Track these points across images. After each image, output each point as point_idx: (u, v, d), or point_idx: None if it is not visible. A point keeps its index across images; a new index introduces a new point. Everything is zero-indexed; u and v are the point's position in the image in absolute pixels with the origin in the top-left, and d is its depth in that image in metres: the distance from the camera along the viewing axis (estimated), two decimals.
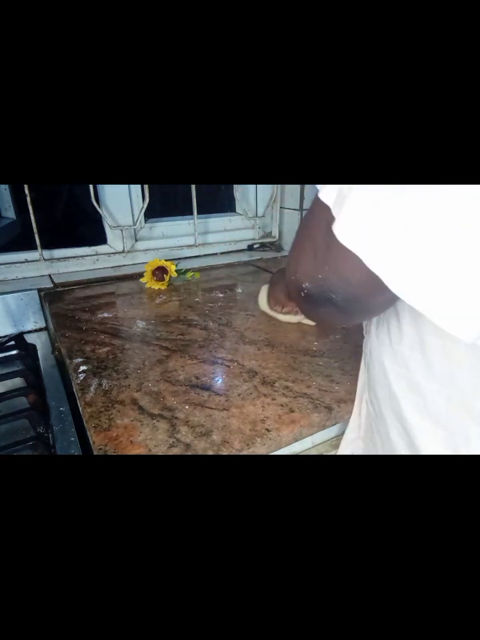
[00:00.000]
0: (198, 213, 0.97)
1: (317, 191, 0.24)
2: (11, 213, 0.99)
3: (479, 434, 0.26)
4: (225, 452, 0.36)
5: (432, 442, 0.29)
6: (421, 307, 0.21)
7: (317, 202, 0.24)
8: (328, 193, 0.23)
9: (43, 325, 0.75)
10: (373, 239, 0.20)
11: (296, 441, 0.42)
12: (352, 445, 0.42)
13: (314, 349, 0.56)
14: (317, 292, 0.27)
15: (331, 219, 0.22)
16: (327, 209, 0.23)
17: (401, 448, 0.33)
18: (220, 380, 0.48)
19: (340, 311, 0.27)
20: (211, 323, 0.64)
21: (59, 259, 0.85)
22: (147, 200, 0.89)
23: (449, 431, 0.28)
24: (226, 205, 1.13)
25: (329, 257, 0.25)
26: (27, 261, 0.82)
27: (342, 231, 0.21)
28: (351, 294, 0.25)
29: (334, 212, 0.22)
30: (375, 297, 0.26)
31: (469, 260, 0.18)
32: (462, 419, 0.27)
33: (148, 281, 0.80)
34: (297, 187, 1.01)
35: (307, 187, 1.00)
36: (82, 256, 0.88)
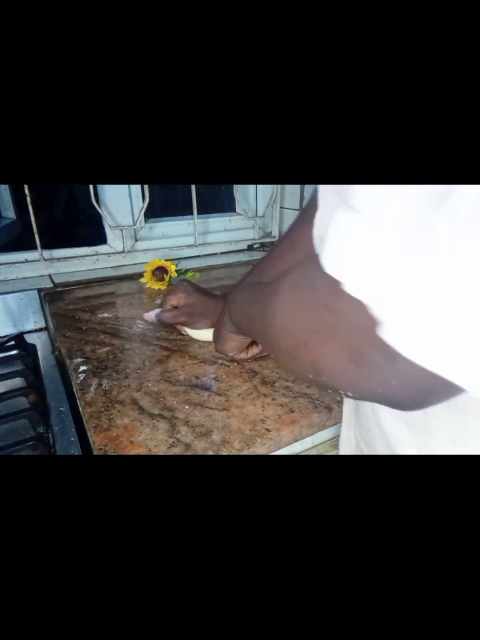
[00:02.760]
0: (198, 213, 0.97)
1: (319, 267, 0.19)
2: (11, 213, 0.99)
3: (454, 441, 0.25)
4: (224, 452, 0.36)
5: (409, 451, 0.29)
6: None
7: (339, 292, 0.18)
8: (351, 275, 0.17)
9: (43, 325, 0.75)
10: (437, 340, 0.16)
11: (296, 441, 0.42)
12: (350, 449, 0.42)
13: None
14: (362, 398, 0.23)
15: (374, 323, 0.17)
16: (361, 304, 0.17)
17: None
18: (220, 380, 0.48)
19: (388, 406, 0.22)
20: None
21: (59, 259, 0.85)
22: (147, 200, 0.89)
23: (423, 440, 0.27)
24: (226, 205, 1.13)
25: (394, 371, 0.18)
26: (27, 261, 0.82)
27: (395, 338, 0.17)
28: (411, 400, 0.20)
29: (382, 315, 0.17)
30: (441, 395, 0.20)
31: None
32: (436, 427, 0.26)
33: (148, 281, 0.80)
34: (297, 186, 1.01)
35: (307, 187, 1.00)
36: (82, 256, 0.88)
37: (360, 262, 0.17)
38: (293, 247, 0.50)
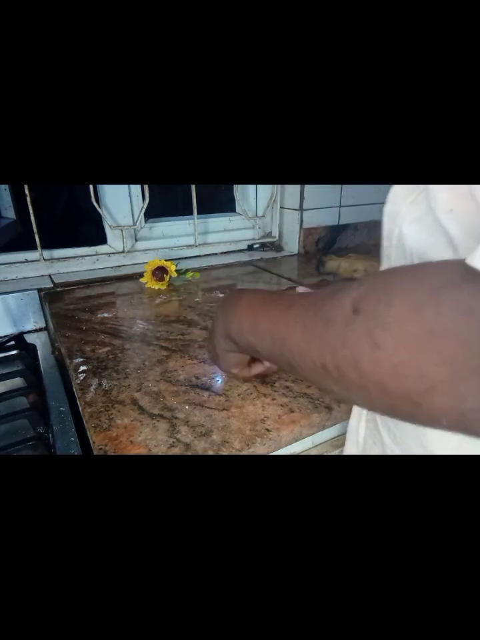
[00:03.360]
0: (198, 213, 0.97)
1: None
2: (10, 213, 0.99)
3: None
4: (224, 452, 0.36)
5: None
6: None
7: None
8: None
9: (43, 325, 0.75)
10: None
11: (296, 441, 0.42)
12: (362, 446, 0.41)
13: None
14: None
15: None
16: None
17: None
18: (220, 380, 0.48)
19: None
20: (211, 323, 0.64)
21: (59, 259, 0.85)
22: (147, 200, 0.89)
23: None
24: (226, 205, 1.13)
25: None
26: (27, 261, 0.82)
27: None
28: None
29: None
30: None
31: None
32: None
33: (148, 281, 0.80)
34: (297, 186, 1.01)
35: (307, 187, 1.00)
36: (82, 256, 0.88)
37: None
38: None
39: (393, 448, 0.32)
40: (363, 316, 0.20)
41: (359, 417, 0.37)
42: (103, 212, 0.87)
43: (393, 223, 0.29)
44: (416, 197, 0.26)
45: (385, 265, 0.31)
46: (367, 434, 0.36)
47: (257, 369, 0.45)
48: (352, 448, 0.39)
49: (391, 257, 0.30)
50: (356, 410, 0.39)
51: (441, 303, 0.17)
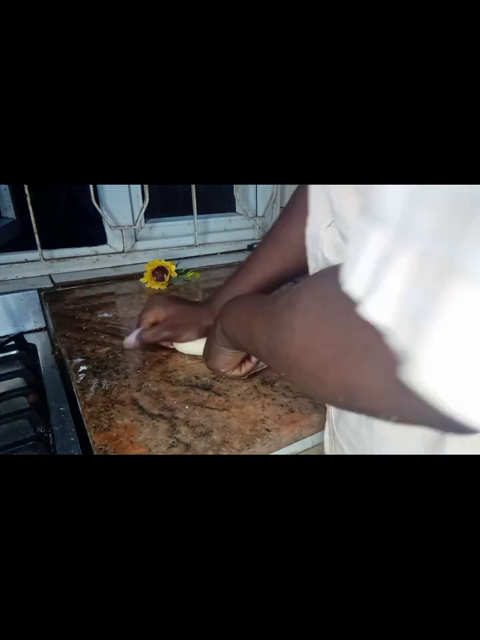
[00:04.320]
0: (198, 213, 0.97)
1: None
2: (10, 213, 0.99)
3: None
4: (225, 452, 0.36)
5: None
6: None
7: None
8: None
9: (43, 325, 0.75)
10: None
11: (296, 441, 0.42)
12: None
13: None
14: (407, 422, 0.20)
15: None
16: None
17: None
18: (220, 380, 0.48)
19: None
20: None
21: (59, 259, 0.85)
22: (147, 200, 0.89)
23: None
24: (226, 205, 1.13)
25: None
26: (27, 261, 0.82)
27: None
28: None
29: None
30: None
31: None
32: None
33: (148, 281, 0.80)
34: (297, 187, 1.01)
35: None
36: (82, 256, 0.88)
37: (381, 282, 0.15)
38: (279, 246, 0.49)
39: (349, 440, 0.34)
40: (289, 307, 0.24)
41: (327, 430, 0.39)
42: (102, 212, 0.87)
43: (315, 246, 0.31)
44: (330, 222, 0.28)
45: None
46: (330, 447, 0.38)
47: (246, 367, 0.47)
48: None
49: None
50: (326, 423, 0.40)
51: (328, 294, 0.20)
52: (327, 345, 0.20)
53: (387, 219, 0.15)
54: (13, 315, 0.72)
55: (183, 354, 0.54)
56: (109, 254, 0.91)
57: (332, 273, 0.20)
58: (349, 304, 0.17)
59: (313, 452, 0.48)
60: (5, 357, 0.60)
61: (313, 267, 0.33)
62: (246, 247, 1.09)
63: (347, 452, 0.34)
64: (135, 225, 0.91)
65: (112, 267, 0.90)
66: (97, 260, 0.90)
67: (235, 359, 0.45)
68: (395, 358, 0.16)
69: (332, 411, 0.37)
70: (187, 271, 0.89)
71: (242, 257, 1.03)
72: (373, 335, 0.17)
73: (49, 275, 0.83)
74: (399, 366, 0.15)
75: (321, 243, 0.30)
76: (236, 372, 0.47)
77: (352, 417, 0.32)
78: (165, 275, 0.80)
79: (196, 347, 0.51)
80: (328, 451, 0.38)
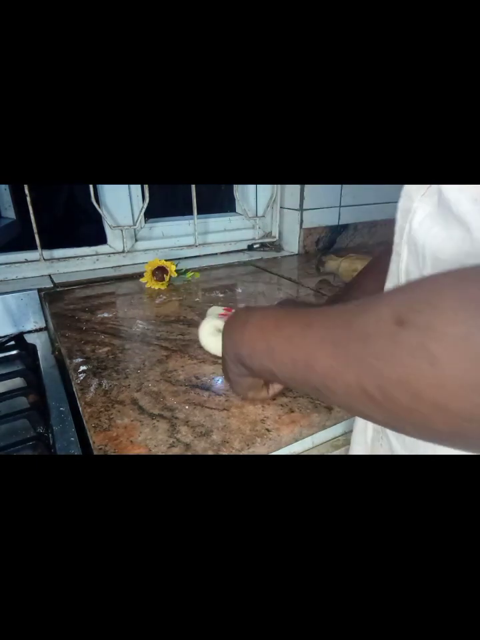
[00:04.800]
0: (198, 213, 0.97)
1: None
2: (10, 213, 0.99)
3: None
4: (224, 452, 0.36)
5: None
6: None
7: None
8: None
9: (43, 325, 0.75)
10: None
11: (296, 441, 0.42)
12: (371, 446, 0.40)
13: None
14: None
15: None
16: None
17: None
18: (220, 380, 0.48)
19: None
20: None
21: (59, 259, 0.85)
22: (147, 200, 0.89)
23: None
24: (226, 205, 1.13)
25: None
26: (27, 261, 0.82)
27: None
28: None
29: None
30: None
31: None
32: None
33: (148, 281, 0.80)
34: (297, 186, 1.01)
35: (307, 187, 1.00)
36: (82, 256, 0.88)
37: None
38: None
39: (400, 451, 0.31)
40: (412, 327, 0.17)
41: (371, 426, 0.37)
42: (102, 212, 0.87)
43: (404, 220, 0.28)
44: (426, 189, 0.25)
45: (394, 262, 0.31)
46: (374, 436, 0.36)
47: (275, 388, 0.41)
48: (359, 448, 0.39)
49: (400, 254, 0.29)
50: (358, 437, 0.38)
51: None
52: None
53: None
54: (13, 315, 0.72)
55: (183, 354, 0.54)
56: (108, 254, 0.91)
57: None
58: None
59: (313, 452, 0.48)
60: (5, 356, 0.60)
61: (397, 242, 0.29)
62: (246, 247, 1.09)
63: (394, 442, 0.31)
64: (135, 224, 0.91)
65: (112, 267, 0.90)
66: (97, 260, 0.90)
67: (260, 381, 0.39)
68: None
69: None
70: (186, 271, 0.89)
71: (242, 257, 1.03)
72: None
73: (49, 275, 0.83)
74: None
75: (411, 215, 0.26)
76: (263, 394, 0.41)
77: None
78: (164, 275, 0.80)
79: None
80: (367, 439, 0.36)
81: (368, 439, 0.37)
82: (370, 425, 0.37)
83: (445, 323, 0.16)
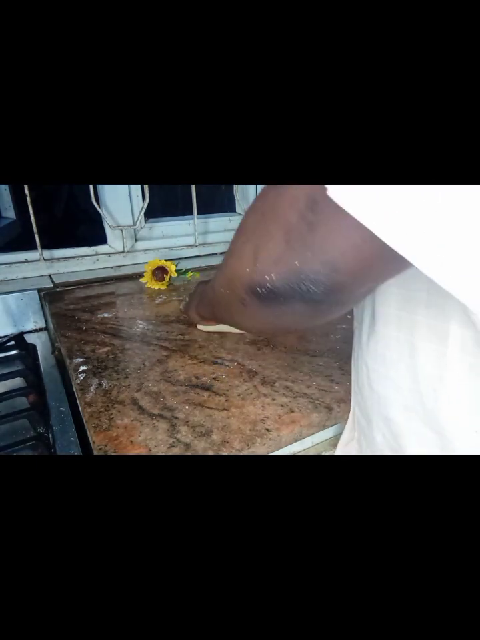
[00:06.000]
0: (198, 213, 0.97)
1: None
2: (11, 213, 0.99)
3: (465, 436, 0.26)
4: (225, 452, 0.36)
5: (417, 443, 0.29)
6: (451, 285, 0.17)
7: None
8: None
9: (43, 325, 0.75)
10: (385, 204, 0.16)
11: (296, 441, 0.42)
12: (347, 446, 0.42)
13: (314, 348, 0.56)
14: (285, 286, 0.22)
15: (315, 190, 0.18)
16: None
17: (385, 450, 0.33)
18: (220, 380, 0.48)
19: (311, 308, 0.23)
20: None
21: (59, 259, 0.85)
22: (147, 200, 0.89)
23: (436, 433, 0.28)
24: (226, 205, 1.13)
25: (314, 239, 0.20)
26: (27, 261, 0.82)
27: (342, 195, 0.17)
28: (336, 283, 0.21)
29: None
30: (361, 285, 0.22)
31: None
32: (448, 420, 0.27)
33: (148, 281, 0.80)
34: None
35: None
36: (82, 256, 0.88)
37: None
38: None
39: (360, 419, 0.37)
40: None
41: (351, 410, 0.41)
42: (102, 212, 0.87)
43: None
44: None
45: None
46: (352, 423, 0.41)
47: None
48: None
49: None
50: (349, 424, 0.42)
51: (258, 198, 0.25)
52: (250, 215, 0.25)
53: None
54: (13, 314, 0.72)
55: (183, 354, 0.54)
56: (109, 254, 0.91)
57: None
58: (271, 200, 0.22)
59: (313, 452, 0.48)
60: (5, 356, 0.60)
61: None
62: None
63: (357, 413, 0.38)
64: (134, 225, 0.91)
65: (112, 267, 0.90)
66: (97, 260, 0.90)
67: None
68: (303, 203, 0.19)
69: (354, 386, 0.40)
70: (187, 271, 0.89)
71: None
72: (277, 195, 0.21)
73: (49, 275, 0.83)
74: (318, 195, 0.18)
75: None
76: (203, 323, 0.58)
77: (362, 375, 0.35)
78: (165, 275, 0.80)
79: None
80: (349, 424, 0.42)
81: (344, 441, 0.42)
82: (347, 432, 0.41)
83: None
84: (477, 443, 0.26)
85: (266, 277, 0.22)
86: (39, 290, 0.76)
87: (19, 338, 0.65)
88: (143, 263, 0.86)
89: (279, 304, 0.23)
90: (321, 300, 0.22)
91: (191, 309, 0.57)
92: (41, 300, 0.75)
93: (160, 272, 0.80)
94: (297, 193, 0.20)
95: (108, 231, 0.91)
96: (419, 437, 0.29)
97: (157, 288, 0.80)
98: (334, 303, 0.23)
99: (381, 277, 0.21)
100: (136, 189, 0.90)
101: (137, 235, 0.95)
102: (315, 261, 0.20)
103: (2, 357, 0.60)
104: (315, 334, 0.60)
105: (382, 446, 0.33)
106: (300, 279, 0.21)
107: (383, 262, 0.20)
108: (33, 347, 0.65)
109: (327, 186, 0.17)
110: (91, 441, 0.39)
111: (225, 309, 0.31)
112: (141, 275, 0.83)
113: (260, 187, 1.10)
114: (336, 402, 0.44)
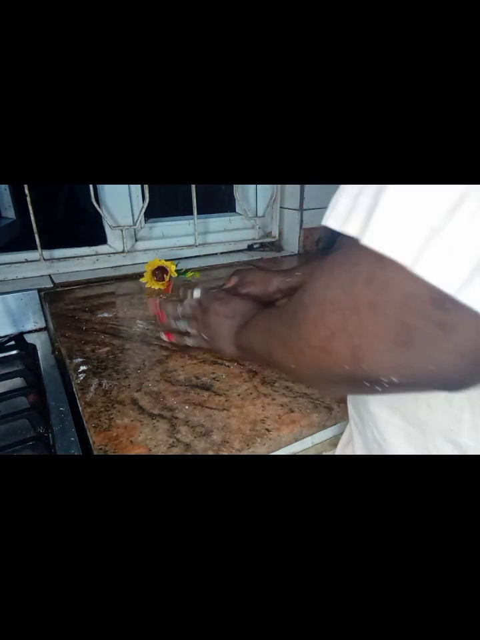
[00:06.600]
0: (198, 213, 0.97)
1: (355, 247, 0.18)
2: (11, 213, 0.99)
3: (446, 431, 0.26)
4: (224, 452, 0.36)
5: (403, 439, 0.29)
6: None
7: (374, 264, 0.18)
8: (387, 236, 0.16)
9: (43, 325, 0.75)
10: None
11: (296, 440, 0.42)
12: (347, 446, 0.42)
13: None
14: (411, 382, 0.20)
15: (436, 292, 0.16)
16: (409, 274, 0.16)
17: (374, 445, 0.33)
18: (220, 380, 0.48)
19: (447, 388, 0.21)
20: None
21: (59, 259, 0.85)
22: (147, 200, 0.89)
23: (417, 427, 0.28)
24: (226, 205, 1.13)
25: (448, 341, 0.17)
26: (27, 261, 0.82)
27: (474, 297, 0.16)
28: (477, 373, 0.19)
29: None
30: None
31: None
32: (429, 414, 0.27)
33: (148, 281, 0.80)
34: (297, 186, 1.01)
35: (307, 187, 1.00)
36: (82, 256, 0.88)
37: (411, 229, 0.16)
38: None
39: (353, 416, 0.38)
40: (302, 290, 0.25)
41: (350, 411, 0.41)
42: (102, 212, 0.87)
43: None
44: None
45: None
46: (350, 432, 0.41)
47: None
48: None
49: None
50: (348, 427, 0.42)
51: (335, 260, 0.22)
52: (336, 310, 0.21)
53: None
54: (13, 314, 0.72)
55: (183, 354, 0.54)
56: (109, 254, 0.91)
57: (345, 247, 0.20)
58: (361, 263, 0.19)
59: (313, 452, 0.48)
60: (5, 356, 0.60)
61: None
62: (246, 247, 1.09)
63: (353, 414, 0.38)
64: (135, 225, 0.91)
65: (112, 267, 0.90)
66: (97, 260, 0.90)
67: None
68: (410, 308, 0.17)
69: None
70: (187, 271, 0.89)
71: (242, 257, 1.03)
72: (383, 293, 0.18)
73: (49, 275, 0.83)
74: (428, 301, 0.17)
75: None
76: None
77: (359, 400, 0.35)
78: (165, 275, 0.80)
79: None
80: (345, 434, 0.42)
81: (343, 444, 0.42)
82: (346, 435, 0.41)
83: (310, 284, 0.24)
84: (454, 440, 0.26)
85: (383, 378, 0.20)
86: (39, 290, 0.76)
87: (18, 338, 0.65)
88: (143, 263, 0.86)
89: (403, 388, 0.22)
90: (460, 387, 0.20)
91: (224, 342, 0.46)
92: (40, 300, 0.75)
93: (160, 272, 0.80)
94: (415, 289, 0.17)
95: (108, 230, 0.91)
96: (403, 433, 0.29)
97: (156, 288, 0.80)
98: (472, 382, 0.20)
99: None
100: (136, 188, 0.90)
101: (137, 235, 0.95)
102: (452, 361, 0.18)
103: (2, 357, 0.60)
104: None
105: (372, 442, 0.33)
106: (433, 377, 0.19)
107: None
108: (33, 347, 0.65)
109: (453, 288, 0.16)
110: (90, 441, 0.39)
111: (312, 381, 0.34)
112: (140, 275, 0.83)
113: (260, 187, 1.10)
114: (336, 402, 0.44)
